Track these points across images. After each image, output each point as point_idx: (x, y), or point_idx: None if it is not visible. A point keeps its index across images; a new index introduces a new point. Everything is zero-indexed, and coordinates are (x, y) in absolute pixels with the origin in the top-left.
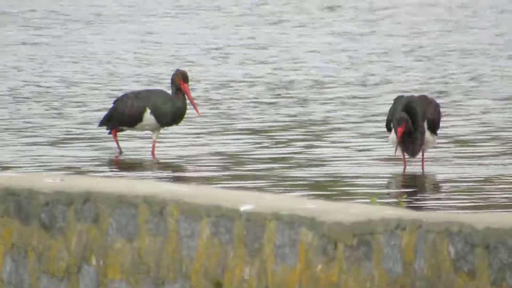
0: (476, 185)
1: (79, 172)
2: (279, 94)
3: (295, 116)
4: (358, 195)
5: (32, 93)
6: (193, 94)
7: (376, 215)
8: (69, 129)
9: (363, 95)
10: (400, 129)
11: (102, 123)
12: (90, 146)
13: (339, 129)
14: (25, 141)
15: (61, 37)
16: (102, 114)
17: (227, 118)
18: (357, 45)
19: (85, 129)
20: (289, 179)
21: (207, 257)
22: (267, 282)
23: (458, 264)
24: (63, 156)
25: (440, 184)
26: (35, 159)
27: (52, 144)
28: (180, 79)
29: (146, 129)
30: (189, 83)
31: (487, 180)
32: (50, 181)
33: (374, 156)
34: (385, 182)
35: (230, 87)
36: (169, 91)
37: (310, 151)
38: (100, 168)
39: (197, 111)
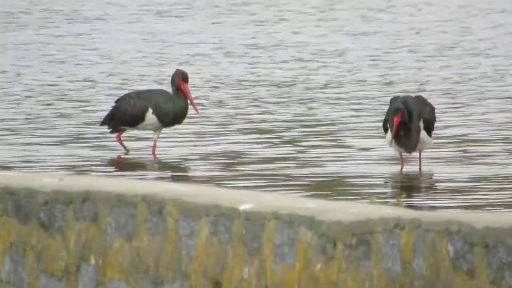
0: (475, 185)
1: (79, 172)
2: (280, 94)
3: (295, 116)
4: (357, 194)
5: (32, 93)
6: (194, 94)
7: (375, 214)
8: (70, 129)
9: (363, 95)
10: (396, 119)
11: (104, 122)
12: (91, 146)
13: (339, 129)
14: (25, 141)
15: (62, 37)
16: (104, 113)
17: (228, 118)
18: (357, 45)
19: (86, 129)
20: (289, 179)
21: (206, 257)
22: (266, 281)
23: (457, 263)
24: (63, 155)
25: (439, 184)
26: (35, 159)
27: (52, 144)
28: (180, 79)
29: (148, 129)
30: (191, 82)
31: (487, 179)
32: (49, 181)
33: (373, 156)
34: (384, 182)
35: (232, 86)
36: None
37: (310, 151)
38: (101, 168)
39: (197, 111)
